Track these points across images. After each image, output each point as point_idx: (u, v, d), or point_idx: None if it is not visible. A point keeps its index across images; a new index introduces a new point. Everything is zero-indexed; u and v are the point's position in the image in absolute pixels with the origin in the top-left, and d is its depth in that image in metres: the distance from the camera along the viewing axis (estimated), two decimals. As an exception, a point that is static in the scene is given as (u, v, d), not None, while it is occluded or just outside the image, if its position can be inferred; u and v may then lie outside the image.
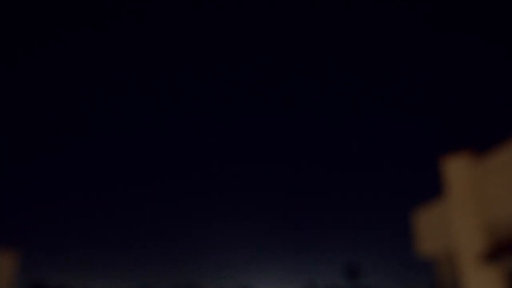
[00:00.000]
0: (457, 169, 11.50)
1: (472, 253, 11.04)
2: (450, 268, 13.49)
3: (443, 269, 14.01)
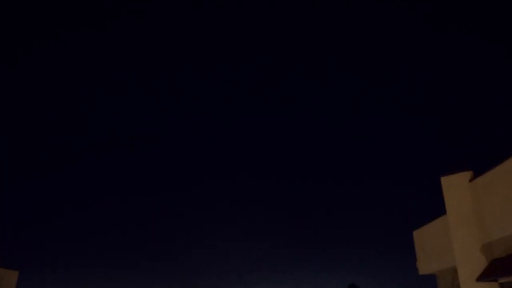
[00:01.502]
0: (456, 189, 11.78)
1: (470, 270, 11.26)
2: (450, 285, 13.66)
3: (444, 286, 14.18)
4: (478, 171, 12.01)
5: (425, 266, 15.09)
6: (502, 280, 10.80)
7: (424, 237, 15.10)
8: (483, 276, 10.95)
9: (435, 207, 13.03)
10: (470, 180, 11.77)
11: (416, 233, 15.71)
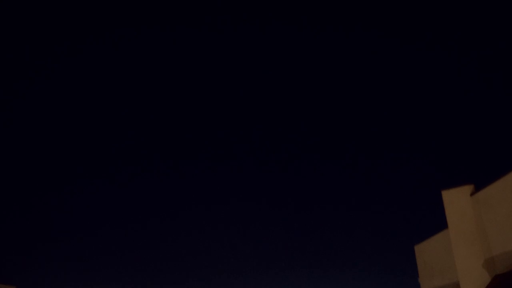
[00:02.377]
0: (457, 203, 11.67)
1: (473, 286, 11.09)
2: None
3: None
4: (479, 185, 11.93)
5: (427, 282, 14.89)
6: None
7: (426, 252, 14.93)
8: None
9: (436, 221, 12.91)
10: (471, 194, 11.66)
11: (417, 248, 15.54)
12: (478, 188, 11.73)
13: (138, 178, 46.74)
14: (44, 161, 45.61)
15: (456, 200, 11.77)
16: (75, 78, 45.71)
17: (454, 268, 11.89)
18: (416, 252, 15.61)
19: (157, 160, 47.22)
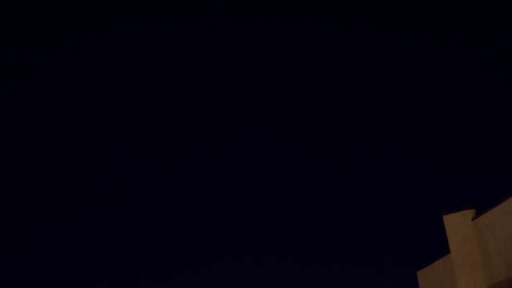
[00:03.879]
0: (459, 228, 11.66)
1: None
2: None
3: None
4: (480, 208, 11.91)
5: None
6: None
7: (429, 278, 14.83)
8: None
9: (438, 246, 12.86)
10: (473, 219, 11.65)
11: (420, 274, 15.44)
12: (479, 212, 11.72)
13: (138, 178, 46.35)
14: (44, 161, 45.48)
15: (457, 225, 11.76)
16: (75, 78, 45.96)
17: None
18: (419, 277, 15.50)
19: (157, 160, 46.93)
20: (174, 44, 46.19)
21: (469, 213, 11.83)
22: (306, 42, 45.36)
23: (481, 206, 11.73)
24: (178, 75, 46.30)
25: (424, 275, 15.15)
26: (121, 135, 46.53)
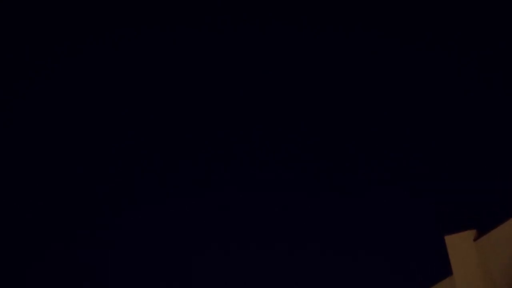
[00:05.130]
0: (461, 249, 11.70)
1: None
2: None
3: None
4: (482, 229, 11.94)
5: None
6: None
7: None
8: None
9: (439, 267, 12.89)
10: (475, 239, 11.68)
11: None
12: (480, 232, 11.76)
13: (138, 178, 46.23)
14: (44, 161, 45.38)
15: (459, 246, 11.80)
16: (75, 78, 45.69)
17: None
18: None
19: (157, 160, 46.79)
20: (174, 44, 45.95)
21: (470, 234, 11.87)
22: (306, 42, 45.19)
23: (485, 227, 11.77)
24: (178, 75, 46.11)
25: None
26: (121, 135, 46.48)
